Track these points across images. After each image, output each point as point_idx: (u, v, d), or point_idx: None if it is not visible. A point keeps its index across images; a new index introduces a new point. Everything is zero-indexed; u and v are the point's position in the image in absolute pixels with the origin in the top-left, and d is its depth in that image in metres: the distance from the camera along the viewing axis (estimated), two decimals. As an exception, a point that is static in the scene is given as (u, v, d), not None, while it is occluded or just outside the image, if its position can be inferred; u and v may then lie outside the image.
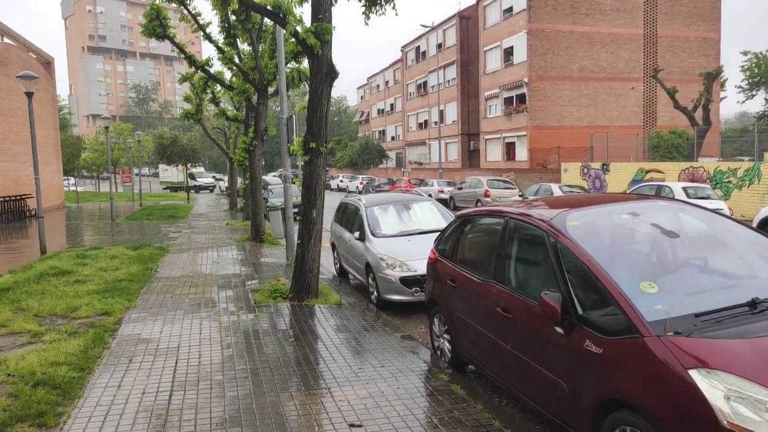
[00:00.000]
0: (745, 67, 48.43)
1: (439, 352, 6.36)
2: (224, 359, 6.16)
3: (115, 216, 24.67)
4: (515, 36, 36.53)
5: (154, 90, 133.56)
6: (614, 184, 25.05)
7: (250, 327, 7.39)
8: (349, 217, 11.27)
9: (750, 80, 48.40)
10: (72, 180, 49.33)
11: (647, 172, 23.68)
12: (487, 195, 25.74)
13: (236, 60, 16.72)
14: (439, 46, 47.88)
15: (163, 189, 56.13)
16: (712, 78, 26.17)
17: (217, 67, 22.15)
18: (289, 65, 16.06)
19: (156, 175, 71.38)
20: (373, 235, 9.65)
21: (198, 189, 53.32)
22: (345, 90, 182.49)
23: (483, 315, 5.26)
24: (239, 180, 32.11)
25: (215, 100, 24.03)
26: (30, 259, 13.19)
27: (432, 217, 10.30)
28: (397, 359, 6.15)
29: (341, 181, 52.98)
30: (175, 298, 9.13)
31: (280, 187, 29.12)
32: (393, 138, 63.69)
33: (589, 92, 36.44)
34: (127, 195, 42.31)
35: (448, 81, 46.17)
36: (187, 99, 27.03)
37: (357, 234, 9.97)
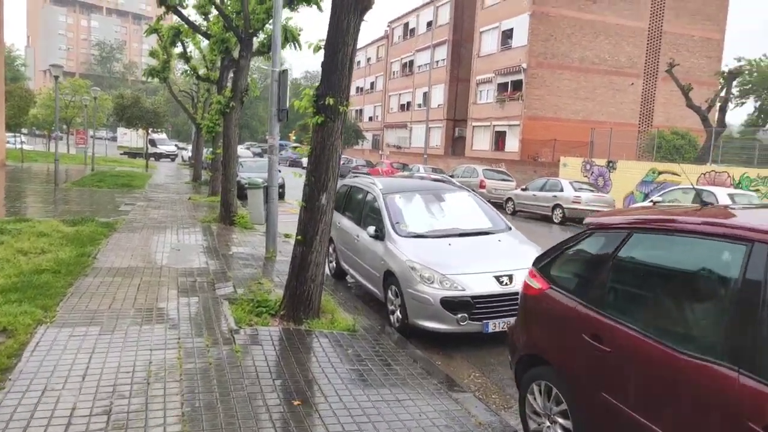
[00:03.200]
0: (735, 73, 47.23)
1: (543, 442, 3.91)
2: (185, 447, 3.55)
3: (59, 180, 21.34)
4: (516, 18, 34.09)
5: (119, 49, 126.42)
6: (621, 184, 23.04)
7: (227, 371, 4.75)
8: (356, 204, 8.66)
9: (741, 87, 47.30)
10: (22, 138, 44.93)
11: (660, 173, 21.73)
12: (482, 186, 23.39)
13: (217, 0, 13.77)
14: (430, 23, 45.10)
15: (121, 154, 52.00)
16: (733, 77, 24.36)
17: (192, 15, 19.09)
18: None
19: (114, 138, 66.68)
20: (397, 233, 7.07)
21: (158, 157, 49.47)
22: (319, 65, 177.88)
23: (690, 423, 2.80)
24: (205, 150, 28.94)
25: (186, 56, 20.93)
26: (-70, 230, 10.15)
27: (472, 213, 7.78)
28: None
29: (314, 159, 49.92)
30: (114, 307, 6.38)
31: (251, 161, 26.20)
32: (371, 118, 60.81)
33: (588, 84, 34.40)
34: (79, 157, 38.46)
35: (437, 62, 43.48)
36: (153, 54, 23.80)
37: (372, 230, 7.37)
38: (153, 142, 48.19)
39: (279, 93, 9.93)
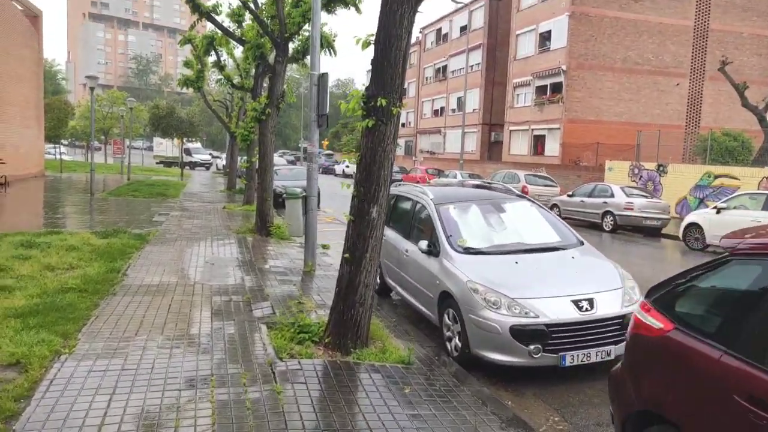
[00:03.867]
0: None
1: None
2: None
3: (95, 190, 21.18)
4: (554, 19, 32.97)
5: (155, 62, 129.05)
6: (672, 189, 21.74)
7: (267, 420, 4.01)
8: (403, 215, 7.90)
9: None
10: (62, 148, 45.66)
11: (716, 177, 20.38)
12: (525, 192, 22.33)
13: (251, 5, 13.25)
14: (464, 28, 44.21)
15: (157, 163, 52.43)
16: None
17: (225, 23, 18.74)
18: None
19: (150, 148, 67.59)
20: (454, 248, 6.27)
21: (193, 166, 49.70)
22: (352, 72, 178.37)
23: None
24: (240, 158, 28.64)
25: (220, 64, 20.58)
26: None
27: (537, 224, 6.93)
28: None
29: (347, 166, 49.51)
30: (141, 334, 5.74)
31: (286, 169, 25.68)
32: (403, 125, 59.97)
33: (631, 86, 32.99)
34: (116, 167, 38.73)
35: (471, 66, 42.53)
36: (187, 64, 23.65)
37: (424, 244, 6.59)
38: (188, 151, 48.48)
39: (319, 97, 9.27)
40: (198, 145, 53.64)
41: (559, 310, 5.33)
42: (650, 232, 17.37)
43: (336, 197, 24.19)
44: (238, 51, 19.85)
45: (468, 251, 6.24)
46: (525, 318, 5.28)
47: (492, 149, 42.17)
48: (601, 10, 32.01)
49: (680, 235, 14.97)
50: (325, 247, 11.56)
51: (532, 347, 5.20)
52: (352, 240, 5.57)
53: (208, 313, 6.55)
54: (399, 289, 7.59)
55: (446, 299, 6.05)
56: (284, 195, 9.79)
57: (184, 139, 38.40)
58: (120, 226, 12.76)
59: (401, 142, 58.89)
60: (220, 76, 20.19)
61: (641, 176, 23.72)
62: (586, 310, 5.38)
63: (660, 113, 33.55)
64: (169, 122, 37.14)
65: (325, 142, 60.25)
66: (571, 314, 5.33)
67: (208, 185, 30.52)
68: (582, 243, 6.69)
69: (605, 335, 5.41)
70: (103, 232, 11.64)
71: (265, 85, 20.27)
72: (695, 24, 33.86)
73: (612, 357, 5.45)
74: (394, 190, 8.77)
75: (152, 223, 14.06)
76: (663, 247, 15.48)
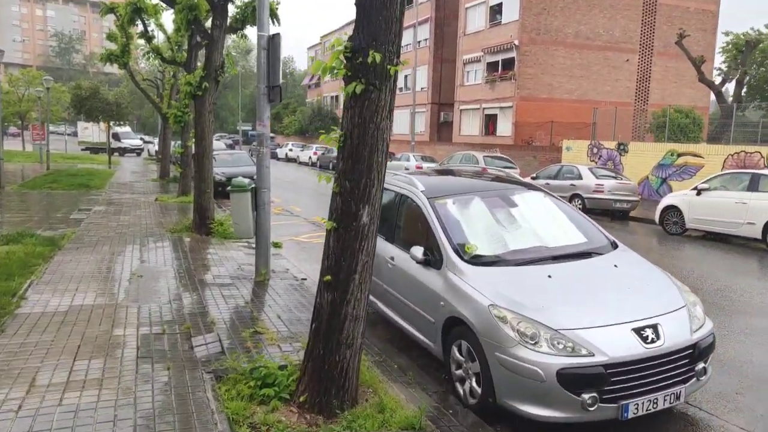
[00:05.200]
0: (725, 48, 45.88)
1: None
2: None
3: (6, 182, 18.48)
4: (505, -9, 31.83)
5: (78, 40, 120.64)
6: (634, 169, 21.05)
7: None
8: (383, 212, 6.32)
9: (729, 63, 45.89)
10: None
11: (679, 155, 19.78)
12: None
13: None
14: (411, 0, 42.52)
15: (82, 150, 48.37)
16: (751, 47, 22.50)
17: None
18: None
19: (75, 134, 62.63)
20: (462, 258, 4.78)
21: (123, 152, 46.12)
22: (293, 50, 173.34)
23: None
24: (173, 143, 26.17)
25: (147, 35, 18.19)
26: None
27: (557, 222, 5.52)
28: None
29: (290, 150, 47.29)
30: (28, 407, 3.96)
31: (225, 154, 23.35)
32: (348, 105, 57.97)
33: (583, 62, 32.34)
34: (35, 155, 35.09)
35: (419, 42, 40.98)
36: (111, 37, 21.09)
37: (419, 252, 5.06)
38: (117, 136, 44.91)
39: (269, 65, 7.52)
40: (128, 129, 49.72)
41: (620, 344, 3.94)
42: (619, 215, 16.52)
43: (280, 185, 22.31)
44: (169, 23, 17.65)
45: (480, 261, 4.76)
46: (576, 357, 3.86)
47: (441, 130, 40.95)
48: (553, -17, 31.08)
49: (656, 218, 14.09)
50: (276, 245, 9.86)
51: (586, 397, 3.79)
52: (334, 256, 3.98)
53: (132, 357, 4.82)
54: (380, 305, 6.05)
55: (455, 327, 4.57)
56: (229, 187, 8.01)
57: (112, 123, 35.08)
58: (27, 228, 10.61)
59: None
60: (149, 49, 17.84)
61: (600, 155, 23.01)
62: (652, 341, 4.01)
63: (610, 90, 33.17)
64: (94, 104, 33.78)
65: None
66: (636, 348, 3.94)
67: (138, 173, 27.88)
68: (616, 244, 5.34)
69: (674, 372, 4.08)
70: (2, 236, 9.50)
71: (201, 59, 18.17)
72: (644, -2, 33.50)
73: (682, 400, 4.14)
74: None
75: (69, 221, 11.92)
76: (636, 232, 14.59)
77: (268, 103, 7.68)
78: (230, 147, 46.19)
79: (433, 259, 4.98)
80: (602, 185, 16.33)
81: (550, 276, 4.50)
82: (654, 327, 4.08)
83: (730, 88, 30.94)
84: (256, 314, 6.16)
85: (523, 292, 4.31)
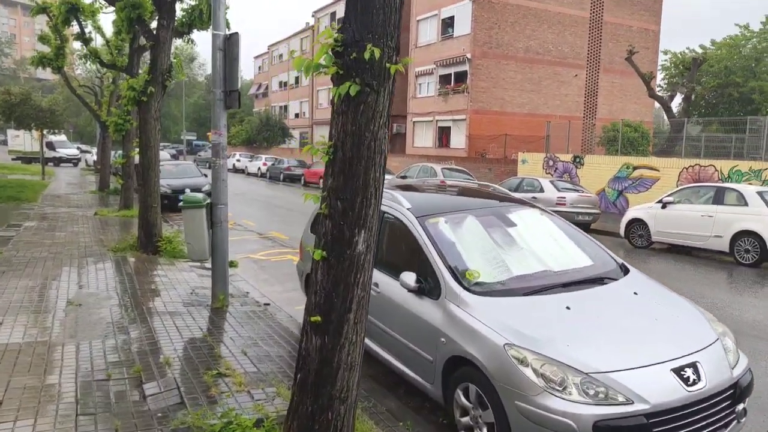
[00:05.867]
0: (664, 66, 47.71)
1: None
2: None
3: None
4: (458, 4, 31.79)
5: (8, 43, 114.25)
6: (590, 181, 21.15)
7: None
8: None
9: (668, 80, 47.69)
10: None
11: (635, 168, 19.97)
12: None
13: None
14: (361, 13, 42.12)
15: (13, 159, 45.38)
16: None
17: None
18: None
19: (5, 142, 58.91)
20: (464, 287, 4.15)
21: (58, 161, 43.60)
22: (239, 59, 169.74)
23: None
24: (113, 153, 24.63)
25: (84, 37, 16.96)
26: None
27: (559, 243, 4.99)
28: None
29: (238, 160, 45.78)
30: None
31: (170, 164, 21.97)
32: (297, 115, 57.06)
33: (533, 76, 32.70)
34: (-42, 165, 32.54)
35: (370, 53, 40.59)
36: (42, 38, 19.55)
37: (411, 279, 4.39)
38: (51, 145, 42.44)
39: (226, 68, 6.74)
40: (63, 138, 46.98)
41: (660, 388, 3.40)
42: (581, 228, 16.36)
43: (230, 197, 21.21)
44: (108, 25, 16.46)
45: (485, 290, 4.15)
46: (613, 406, 3.28)
47: (394, 142, 40.58)
48: (504, -3, 31.33)
49: (622, 231, 13.97)
50: (232, 264, 9.00)
51: (625, 454, 3.22)
52: (323, 291, 3.27)
53: (69, 413, 3.93)
54: (368, 343, 5.34)
55: (460, 367, 3.94)
56: (180, 202, 7.13)
57: (46, 132, 32.90)
58: (-57, 248, 9.34)
59: (296, 134, 55.61)
60: (86, 52, 16.59)
61: (557, 168, 23.05)
62: (694, 382, 3.49)
63: (560, 104, 33.66)
64: (25, 111, 31.57)
65: (210, 135, 55.73)
66: (678, 392, 3.41)
67: (75, 185, 26.11)
68: (626, 267, 4.85)
69: (717, 417, 3.57)
70: None
71: (142, 63, 17.00)
72: (591, 15, 34.26)
73: (724, 447, 3.64)
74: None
75: (-6, 239, 10.65)
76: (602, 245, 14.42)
77: (225, 110, 6.89)
78: (174, 158, 44.38)
79: (428, 287, 4.34)
80: (564, 198, 16.17)
81: (568, 308, 3.92)
82: (693, 366, 3.56)
83: (675, 103, 31.93)
84: (218, 350, 5.34)
85: (542, 328, 3.72)
